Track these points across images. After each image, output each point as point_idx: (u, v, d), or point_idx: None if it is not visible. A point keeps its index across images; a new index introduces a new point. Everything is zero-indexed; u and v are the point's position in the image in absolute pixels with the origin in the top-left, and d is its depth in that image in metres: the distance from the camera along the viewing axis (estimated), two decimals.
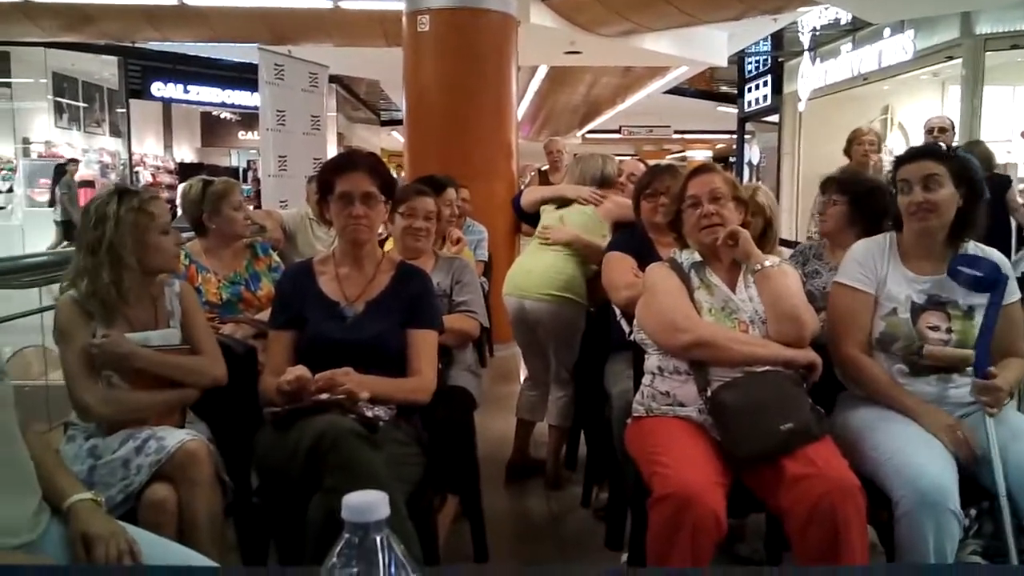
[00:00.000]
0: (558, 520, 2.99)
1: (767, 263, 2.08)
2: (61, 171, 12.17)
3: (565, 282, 3.19)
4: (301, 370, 1.94)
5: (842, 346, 2.12)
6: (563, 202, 3.44)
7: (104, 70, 14.35)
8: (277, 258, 3.20)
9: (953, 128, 5.27)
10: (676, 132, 20.38)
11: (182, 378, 2.04)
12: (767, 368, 1.98)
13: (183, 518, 1.80)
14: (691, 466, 1.80)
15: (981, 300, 2.02)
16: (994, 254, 2.12)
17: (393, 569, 0.74)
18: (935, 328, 2.04)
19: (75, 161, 13.09)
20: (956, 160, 2.06)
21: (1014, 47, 8.23)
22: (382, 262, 2.25)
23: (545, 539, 2.86)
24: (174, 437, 1.87)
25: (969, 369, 2.01)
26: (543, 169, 6.24)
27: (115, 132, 15.42)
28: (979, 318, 2.02)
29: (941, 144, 3.14)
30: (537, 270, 3.26)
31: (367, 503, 0.74)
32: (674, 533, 1.69)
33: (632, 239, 2.89)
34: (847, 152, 4.57)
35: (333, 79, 12.83)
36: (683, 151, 24.60)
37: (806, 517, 1.70)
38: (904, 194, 2.07)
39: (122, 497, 1.80)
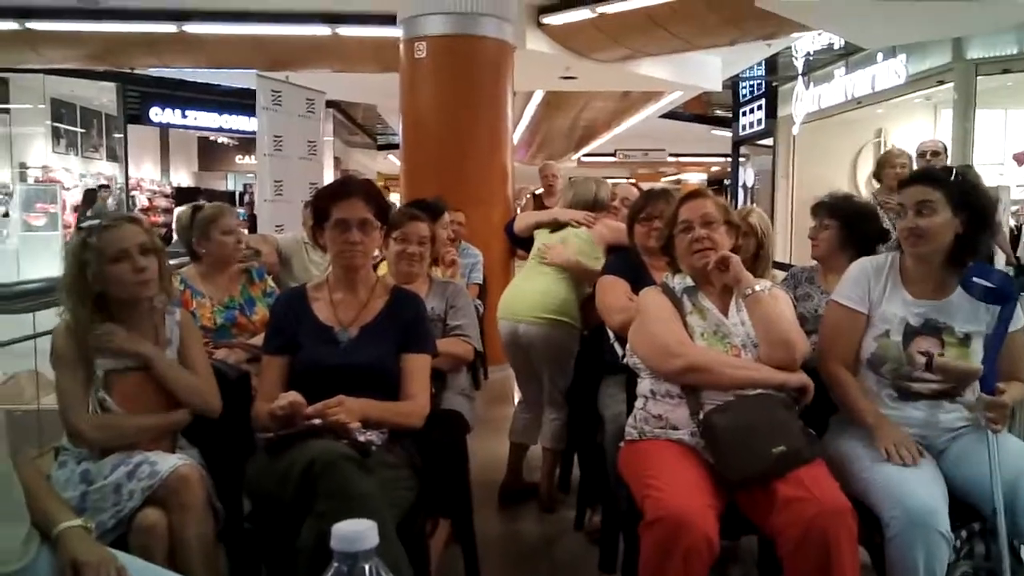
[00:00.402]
0: (551, 543, 2.98)
1: (758, 287, 2.08)
2: (92, 196, 12.02)
3: (558, 305, 3.20)
4: (293, 395, 1.94)
5: (826, 362, 2.14)
6: (556, 226, 3.45)
7: (102, 96, 14.41)
8: (272, 283, 3.21)
9: (946, 151, 5.29)
10: (671, 155, 20.47)
11: (182, 393, 2.02)
12: (759, 391, 1.98)
13: (174, 543, 1.79)
14: (683, 489, 1.80)
15: (978, 328, 2.02)
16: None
17: None
18: (926, 353, 2.04)
19: (106, 187, 13.09)
20: (956, 185, 2.03)
21: (1005, 71, 8.31)
22: (376, 287, 2.26)
23: (538, 562, 2.84)
24: (167, 462, 1.86)
25: (960, 397, 2.01)
26: (538, 193, 6.28)
27: (112, 157, 15.47)
28: (976, 345, 2.01)
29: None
30: (530, 293, 3.27)
31: (356, 533, 0.75)
32: (666, 557, 1.69)
33: (626, 263, 2.90)
34: (877, 176, 4.48)
35: (330, 104, 12.90)
36: (678, 174, 24.72)
37: (798, 539, 1.71)
38: (901, 218, 2.08)
39: (114, 522, 1.79)
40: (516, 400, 3.54)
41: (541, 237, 3.48)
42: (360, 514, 1.64)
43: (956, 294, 2.05)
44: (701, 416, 1.96)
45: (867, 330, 2.13)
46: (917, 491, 1.79)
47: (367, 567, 0.74)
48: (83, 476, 1.89)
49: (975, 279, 1.97)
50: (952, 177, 2.06)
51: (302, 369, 2.11)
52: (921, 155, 5.06)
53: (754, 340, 2.07)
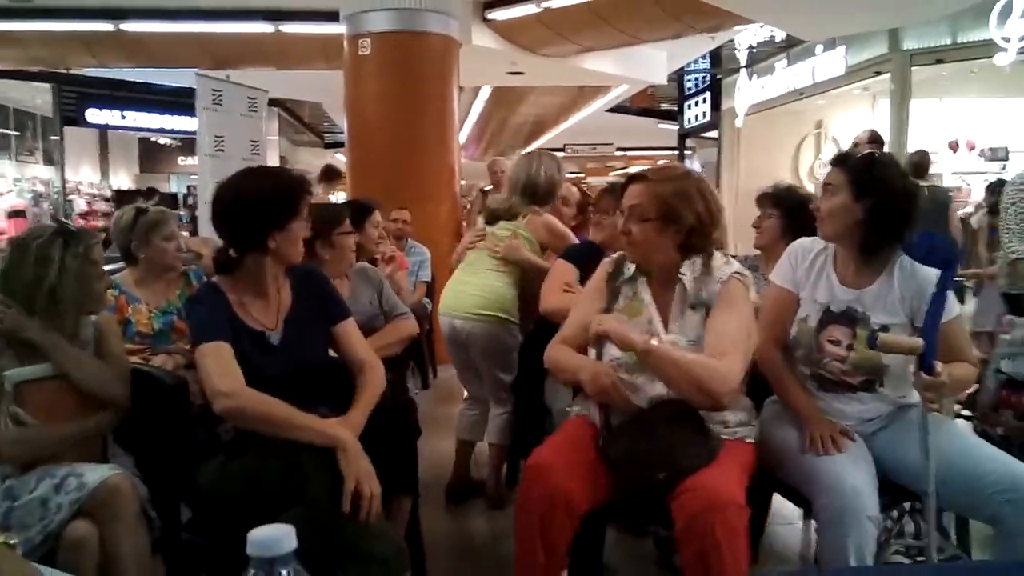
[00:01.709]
0: (499, 540, 2.96)
1: (653, 341, 1.91)
2: None
3: (494, 301, 3.16)
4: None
5: (763, 343, 2.11)
6: (491, 217, 3.33)
7: (37, 97, 13.99)
8: None
9: (881, 141, 5.42)
10: (619, 149, 20.62)
11: (88, 383, 1.97)
12: (664, 400, 1.94)
13: (105, 557, 1.73)
14: (562, 453, 1.90)
15: (896, 320, 2.00)
16: (931, 272, 1.99)
17: None
18: (835, 342, 2.05)
19: None
20: (861, 170, 2.02)
21: (938, 61, 8.55)
22: (277, 276, 2.11)
23: (487, 559, 2.83)
24: (95, 472, 1.81)
25: (881, 388, 2.04)
26: (486, 189, 6.27)
27: (49, 160, 15.02)
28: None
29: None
30: (467, 290, 3.24)
31: (272, 537, 0.73)
32: (526, 510, 1.82)
33: (585, 250, 2.92)
34: None
35: (275, 102, 12.71)
36: (626, 167, 24.91)
37: (683, 530, 1.72)
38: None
39: (41, 538, 1.73)
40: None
41: (477, 229, 3.45)
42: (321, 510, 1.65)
43: (878, 284, 2.04)
44: (605, 433, 1.98)
45: (795, 311, 2.14)
46: (845, 477, 1.81)
47: (284, 572, 0.72)
48: (7, 492, 1.82)
49: (916, 247, 1.95)
50: (862, 162, 2.05)
51: (249, 380, 1.93)
52: (855, 145, 5.19)
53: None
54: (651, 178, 2.05)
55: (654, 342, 1.89)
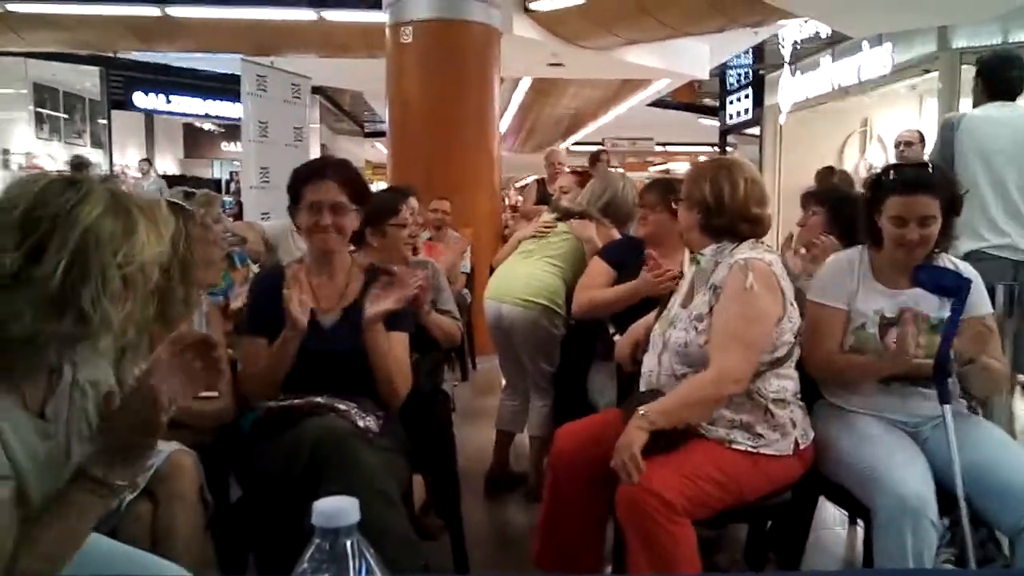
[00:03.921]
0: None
1: (643, 437, 1.89)
2: None
3: (543, 290, 3.18)
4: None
5: (813, 354, 2.12)
6: (564, 215, 3.38)
7: (85, 80, 14.25)
8: (256, 269, 3.19)
9: (922, 140, 5.32)
10: (659, 144, 20.48)
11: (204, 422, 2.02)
12: (652, 389, 2.05)
13: (161, 533, 1.74)
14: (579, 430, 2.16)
15: (947, 314, 2.01)
16: (966, 267, 2.15)
17: (365, 574, 0.74)
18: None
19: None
20: (945, 189, 2.07)
21: None
22: (351, 268, 2.24)
23: (526, 551, 2.83)
24: (162, 448, 1.83)
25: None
26: (542, 179, 6.27)
27: (96, 143, 15.29)
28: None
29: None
30: (517, 276, 3.26)
31: (337, 508, 0.74)
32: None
33: (624, 249, 2.94)
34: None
35: (316, 90, 12.80)
36: (665, 163, 24.73)
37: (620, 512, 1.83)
38: (897, 227, 2.06)
39: (111, 510, 1.72)
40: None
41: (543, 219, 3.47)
42: (370, 488, 1.69)
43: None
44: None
45: (847, 323, 2.14)
46: (906, 479, 1.81)
47: (348, 543, 0.73)
48: None
49: (921, 278, 2.03)
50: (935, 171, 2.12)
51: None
52: (896, 145, 5.11)
53: (679, 346, 2.03)
54: (695, 164, 2.20)
55: (643, 437, 1.83)
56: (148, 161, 12.14)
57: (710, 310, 1.98)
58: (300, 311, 2.00)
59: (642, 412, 1.85)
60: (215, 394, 1.83)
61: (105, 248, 1.09)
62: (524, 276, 3.24)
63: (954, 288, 1.97)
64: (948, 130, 3.37)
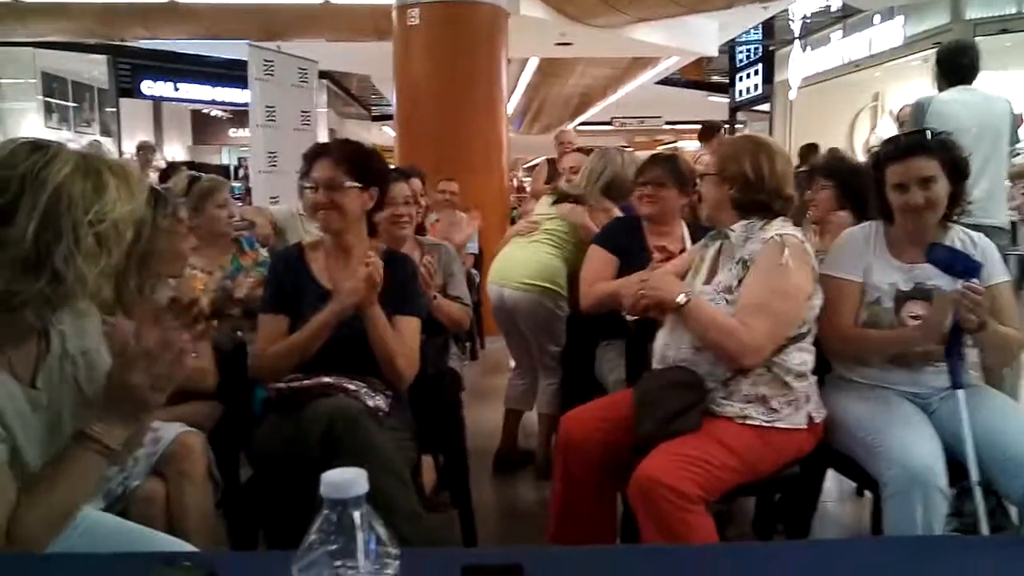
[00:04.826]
0: (547, 508, 2.97)
1: (680, 299, 1.99)
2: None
3: (544, 271, 3.19)
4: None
5: (828, 328, 2.11)
6: (561, 198, 3.37)
7: (93, 69, 14.27)
8: (265, 253, 3.20)
9: None
10: (668, 123, 20.35)
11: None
12: (674, 365, 2.03)
13: (172, 513, 1.78)
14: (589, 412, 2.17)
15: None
16: (980, 239, 2.14)
17: (373, 545, 0.75)
18: (917, 318, 2.06)
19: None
20: (942, 151, 2.06)
21: (1003, 31, 8.25)
22: (364, 250, 2.23)
23: (535, 527, 2.86)
24: (170, 430, 1.86)
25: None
26: (552, 159, 6.24)
27: (105, 131, 15.33)
28: None
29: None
30: (518, 259, 3.27)
31: (346, 479, 0.75)
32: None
33: (621, 232, 2.89)
34: None
35: (324, 75, 12.78)
36: (675, 141, 24.57)
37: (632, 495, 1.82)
38: (900, 194, 2.06)
39: (121, 490, 1.75)
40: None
41: (541, 207, 3.47)
42: (382, 466, 1.71)
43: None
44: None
45: (862, 297, 2.14)
46: (915, 449, 1.82)
47: (356, 514, 0.74)
48: None
49: (935, 258, 1.99)
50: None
51: None
52: (901, 122, 5.07)
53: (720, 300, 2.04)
54: (723, 141, 2.15)
55: (682, 298, 1.97)
56: (151, 147, 10.42)
57: (739, 282, 1.99)
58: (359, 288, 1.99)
59: (687, 298, 1.97)
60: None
61: (76, 207, 1.10)
62: (523, 259, 3.25)
63: (965, 271, 1.93)
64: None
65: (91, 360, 1.30)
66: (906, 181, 2.05)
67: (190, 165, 13.77)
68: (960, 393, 1.90)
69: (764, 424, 1.92)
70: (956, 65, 3.79)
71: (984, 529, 1.77)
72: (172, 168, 10.88)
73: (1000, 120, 3.68)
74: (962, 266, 1.94)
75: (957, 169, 2.07)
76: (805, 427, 1.97)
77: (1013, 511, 1.88)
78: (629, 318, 2.24)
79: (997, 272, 2.10)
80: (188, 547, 1.41)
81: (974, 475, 1.81)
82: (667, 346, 2.08)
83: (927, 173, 2.03)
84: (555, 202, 3.37)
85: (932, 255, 2.00)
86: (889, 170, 2.09)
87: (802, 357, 2.00)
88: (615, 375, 2.67)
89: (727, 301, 1.99)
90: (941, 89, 3.77)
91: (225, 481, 1.97)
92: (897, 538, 1.70)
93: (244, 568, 1.11)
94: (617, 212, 3.25)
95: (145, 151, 9.16)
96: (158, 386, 1.17)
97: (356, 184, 2.12)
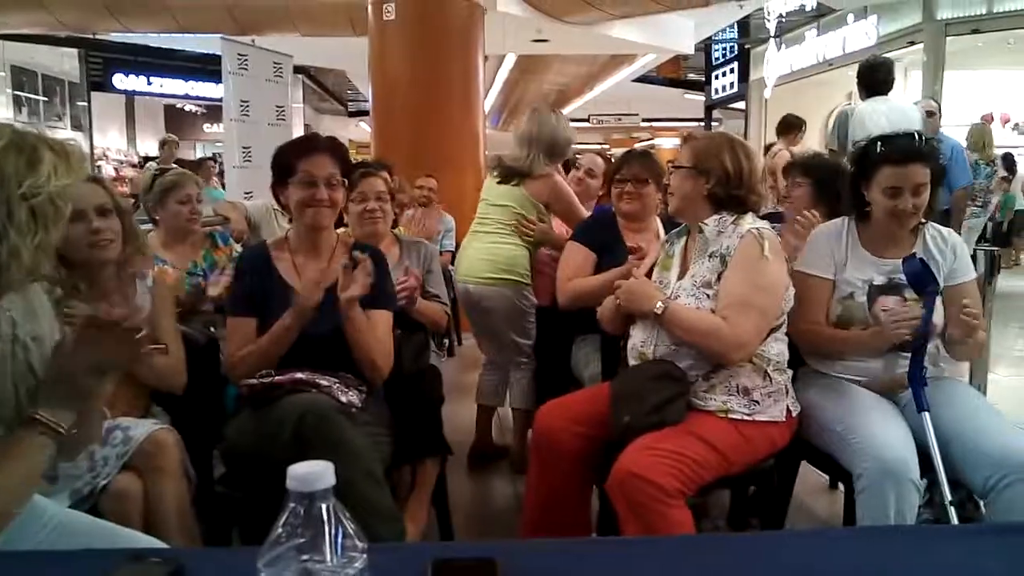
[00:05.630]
0: (523, 503, 2.98)
1: (658, 307, 1.99)
2: None
3: (504, 263, 3.14)
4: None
5: (797, 323, 2.13)
6: (507, 175, 3.22)
7: (64, 63, 14.07)
8: (239, 248, 3.16)
9: (940, 112, 5.38)
10: (644, 120, 20.43)
11: (145, 372, 1.94)
12: (656, 359, 2.03)
13: (149, 509, 1.75)
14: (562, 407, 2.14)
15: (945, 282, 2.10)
16: (951, 235, 2.19)
17: (340, 538, 0.74)
18: (889, 312, 2.08)
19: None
20: (933, 159, 2.12)
21: (974, 31, 8.36)
22: (337, 247, 2.23)
23: (511, 522, 2.86)
24: (141, 427, 1.83)
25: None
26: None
27: (77, 126, 15.13)
28: (939, 301, 2.06)
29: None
30: (477, 255, 3.21)
31: (312, 473, 0.74)
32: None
33: (597, 227, 2.89)
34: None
35: (299, 70, 12.70)
36: (651, 139, 24.69)
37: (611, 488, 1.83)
38: (891, 197, 2.09)
39: (89, 489, 1.72)
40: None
41: (487, 191, 3.33)
42: (354, 463, 1.70)
43: (914, 250, 2.12)
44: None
45: (832, 293, 2.18)
46: (888, 442, 1.84)
47: (324, 507, 0.73)
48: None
49: (907, 270, 2.04)
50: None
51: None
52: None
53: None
54: (694, 136, 2.19)
55: (659, 307, 1.98)
56: (175, 141, 9.39)
57: (718, 277, 1.99)
58: (315, 289, 1.98)
59: (664, 305, 1.97)
60: (162, 346, 1.80)
61: (9, 181, 1.11)
62: (483, 252, 3.19)
63: (929, 291, 2.00)
64: (843, 120, 4.54)
65: (43, 345, 1.29)
66: (901, 185, 2.07)
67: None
68: (926, 416, 1.92)
69: (745, 417, 1.93)
70: (874, 80, 4.50)
71: (954, 520, 1.80)
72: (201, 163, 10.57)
73: (914, 125, 4.09)
74: (927, 288, 2.00)
75: (935, 176, 2.12)
76: (783, 420, 1.99)
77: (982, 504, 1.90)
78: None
79: (965, 270, 2.15)
80: (157, 543, 1.39)
81: (941, 475, 1.84)
82: (644, 343, 2.08)
83: (922, 180, 2.07)
84: (500, 181, 3.23)
85: (909, 267, 2.02)
86: (883, 172, 2.10)
87: (779, 348, 2.02)
88: (591, 370, 2.67)
89: (708, 296, 1.99)
90: (862, 99, 4.43)
91: (198, 478, 1.94)
92: (870, 528, 1.71)
93: (212, 564, 1.09)
94: (562, 171, 3.27)
95: (169, 145, 9.07)
96: (97, 370, 1.16)
97: (345, 181, 2.17)
